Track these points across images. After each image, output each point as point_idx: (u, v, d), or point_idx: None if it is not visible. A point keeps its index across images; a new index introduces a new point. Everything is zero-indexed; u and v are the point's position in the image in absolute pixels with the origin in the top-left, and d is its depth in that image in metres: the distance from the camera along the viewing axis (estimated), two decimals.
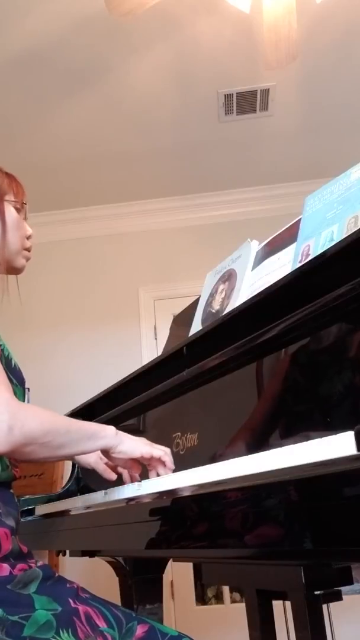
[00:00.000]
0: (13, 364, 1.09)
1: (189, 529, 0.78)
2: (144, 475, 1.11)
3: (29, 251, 1.19)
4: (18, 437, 0.90)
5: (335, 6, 2.51)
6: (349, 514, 0.54)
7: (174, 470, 1.07)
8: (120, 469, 1.24)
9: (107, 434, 1.04)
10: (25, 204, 1.19)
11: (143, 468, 1.11)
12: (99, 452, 1.22)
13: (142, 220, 3.92)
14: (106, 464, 1.27)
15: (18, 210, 1.16)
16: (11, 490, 1.02)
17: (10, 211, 1.14)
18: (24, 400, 1.10)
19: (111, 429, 1.05)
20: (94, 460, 1.29)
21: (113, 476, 1.24)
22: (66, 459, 1.34)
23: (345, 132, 3.36)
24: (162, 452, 1.07)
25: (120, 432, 1.06)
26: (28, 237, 1.18)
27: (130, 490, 1.04)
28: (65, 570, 3.03)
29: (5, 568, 0.86)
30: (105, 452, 1.07)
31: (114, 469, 1.26)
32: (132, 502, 0.99)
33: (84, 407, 1.70)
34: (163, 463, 1.08)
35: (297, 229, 1.15)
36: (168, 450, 1.10)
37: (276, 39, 2.24)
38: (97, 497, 1.19)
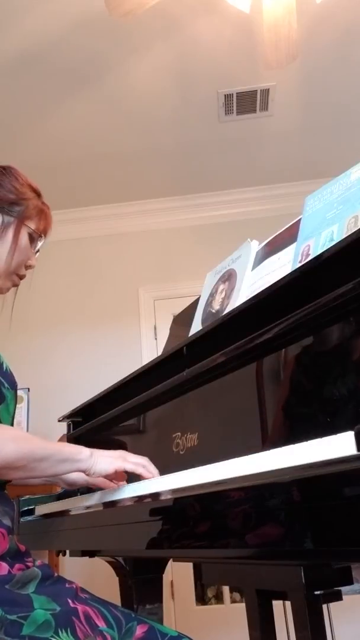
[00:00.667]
0: (4, 368, 1.09)
1: (189, 529, 0.78)
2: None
3: (20, 279, 1.19)
4: None
5: (335, 6, 2.51)
6: (349, 514, 0.54)
7: (174, 470, 1.06)
8: (96, 480, 1.24)
9: (82, 457, 1.03)
10: (42, 236, 1.19)
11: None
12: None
13: (142, 220, 3.92)
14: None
15: (32, 239, 1.17)
16: (5, 491, 1.03)
17: (24, 235, 1.15)
18: (15, 404, 1.11)
19: (85, 452, 1.04)
20: (77, 474, 1.26)
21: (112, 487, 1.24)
22: (40, 478, 1.34)
23: (345, 132, 3.36)
24: (134, 466, 1.06)
25: (96, 452, 1.05)
26: (27, 267, 1.19)
27: (125, 491, 1.05)
28: (65, 570, 3.03)
29: (4, 567, 0.86)
30: (84, 472, 1.06)
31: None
32: (119, 504, 1.00)
33: (84, 407, 1.70)
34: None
35: (297, 229, 1.15)
36: (145, 462, 1.09)
37: (276, 39, 2.24)
38: (92, 498, 1.20)
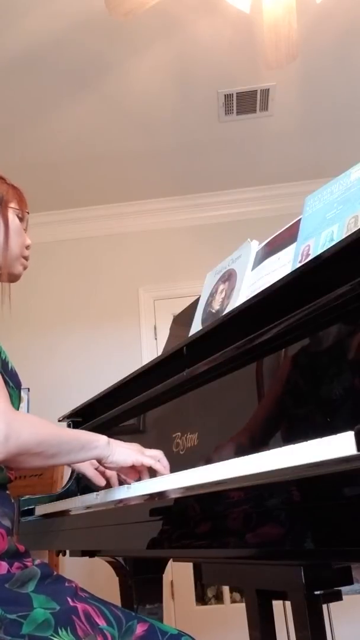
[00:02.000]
0: (10, 367, 1.09)
1: (189, 529, 0.78)
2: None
3: (26, 260, 1.22)
4: (13, 447, 0.91)
5: (335, 6, 2.51)
6: (349, 514, 0.54)
7: (174, 471, 1.06)
8: (108, 474, 1.26)
9: (99, 445, 1.04)
10: (28, 213, 1.22)
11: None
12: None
13: (142, 220, 3.92)
14: (97, 469, 1.28)
15: (20, 219, 1.19)
16: (7, 492, 1.03)
17: (13, 218, 1.17)
18: (19, 404, 1.11)
19: (103, 439, 1.05)
20: (85, 466, 1.30)
21: (102, 482, 1.25)
22: (56, 466, 1.35)
23: (345, 132, 3.36)
24: (152, 460, 1.07)
25: (113, 442, 1.06)
26: (27, 247, 1.21)
27: (121, 491, 1.05)
28: (65, 570, 3.03)
29: (3, 566, 0.86)
30: (98, 460, 1.07)
31: (103, 474, 1.27)
32: (120, 504, 1.00)
33: (84, 407, 1.70)
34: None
35: (297, 229, 1.15)
36: (160, 455, 1.10)
37: (276, 39, 2.24)
38: (90, 499, 1.20)
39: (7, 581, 0.85)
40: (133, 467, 1.09)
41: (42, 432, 0.97)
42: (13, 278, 1.20)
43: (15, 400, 1.08)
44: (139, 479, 1.10)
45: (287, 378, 0.96)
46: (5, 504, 0.98)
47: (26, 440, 0.93)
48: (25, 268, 1.22)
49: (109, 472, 1.25)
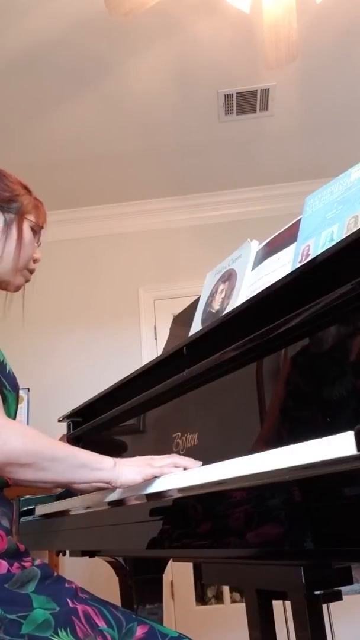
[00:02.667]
0: (7, 370, 1.08)
1: (189, 529, 0.78)
2: None
3: (31, 273, 1.21)
4: None
5: (335, 6, 2.51)
6: (349, 514, 0.54)
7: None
8: None
9: (104, 467, 0.96)
10: (42, 228, 1.22)
11: None
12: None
13: (142, 220, 3.92)
14: None
15: (34, 232, 1.19)
16: (4, 493, 1.02)
17: (27, 230, 1.17)
18: (16, 407, 1.10)
19: (109, 461, 0.97)
20: (94, 487, 1.18)
21: None
22: (61, 486, 1.27)
23: (345, 132, 3.36)
24: (160, 470, 0.97)
25: (120, 463, 0.98)
26: (35, 261, 1.21)
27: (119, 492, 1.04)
28: (65, 570, 3.03)
29: (3, 566, 0.86)
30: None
31: None
32: (119, 504, 0.99)
33: (84, 407, 1.70)
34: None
35: (297, 229, 1.15)
36: (172, 460, 1.01)
37: (276, 39, 2.24)
38: (95, 498, 1.19)
39: (7, 581, 0.85)
40: None
41: (33, 443, 0.91)
42: (13, 288, 1.19)
43: (12, 403, 1.07)
44: None
45: (287, 378, 0.96)
46: (3, 504, 0.98)
47: (13, 448, 0.88)
48: (27, 281, 1.21)
49: None
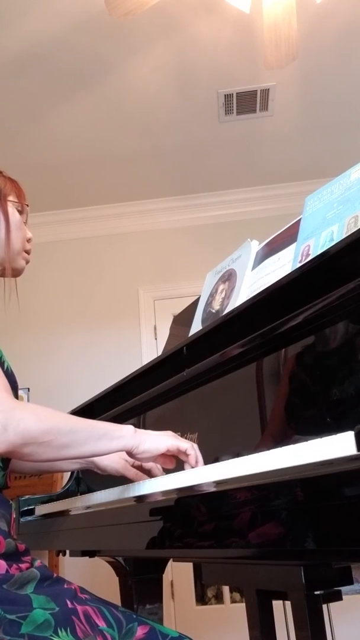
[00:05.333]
0: (6, 367, 1.07)
1: (189, 529, 0.78)
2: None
3: (28, 254, 1.20)
4: (13, 437, 0.86)
5: (335, 6, 2.51)
6: (349, 514, 0.54)
7: (174, 471, 1.06)
8: (146, 466, 1.17)
9: (124, 434, 0.95)
10: (27, 205, 1.20)
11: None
12: (124, 458, 1.17)
13: (142, 220, 3.93)
14: (134, 465, 1.20)
15: (20, 212, 1.17)
16: (2, 494, 1.01)
17: (13, 212, 1.15)
18: None
19: (129, 428, 0.97)
20: (122, 466, 1.20)
21: (143, 478, 1.15)
22: (80, 459, 1.21)
23: (345, 132, 3.36)
24: (189, 444, 0.98)
25: (140, 430, 0.98)
26: (28, 240, 1.20)
27: (117, 491, 1.04)
28: (65, 570, 3.03)
29: (2, 567, 0.86)
30: (129, 453, 0.98)
31: (141, 468, 1.19)
32: (121, 503, 0.99)
33: (84, 407, 1.70)
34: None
35: (297, 229, 1.15)
36: (195, 445, 1.00)
37: (276, 39, 2.24)
38: (97, 498, 1.19)
39: (6, 582, 0.85)
40: (169, 456, 1.00)
41: (48, 420, 0.90)
42: (16, 273, 1.18)
43: None
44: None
45: (286, 378, 0.96)
46: (1, 506, 0.97)
47: (28, 428, 0.87)
48: (27, 262, 1.20)
49: (147, 465, 1.17)
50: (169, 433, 1.00)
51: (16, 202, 1.16)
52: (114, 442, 0.95)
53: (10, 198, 1.16)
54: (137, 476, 1.18)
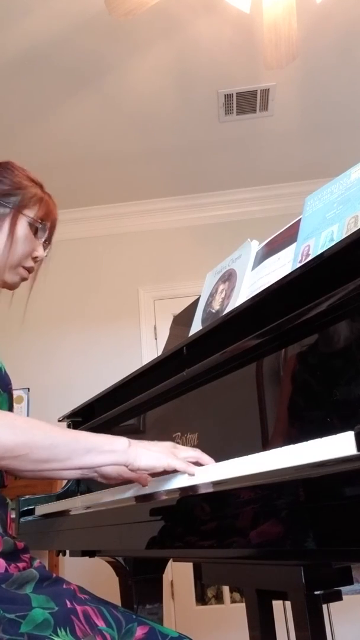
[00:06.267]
0: None
1: (189, 529, 0.78)
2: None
3: (29, 271, 1.15)
4: None
5: (335, 6, 2.51)
6: (349, 514, 0.54)
7: (173, 470, 1.06)
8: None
9: (115, 448, 0.89)
10: (46, 225, 1.14)
11: None
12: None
13: (142, 220, 3.93)
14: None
15: (34, 228, 1.12)
16: (1, 494, 1.01)
17: (22, 225, 1.10)
18: (9, 406, 1.05)
19: (122, 442, 0.89)
20: (124, 470, 1.08)
21: (145, 482, 1.06)
22: (80, 469, 1.19)
23: (345, 132, 3.36)
24: (184, 465, 0.89)
25: (136, 444, 0.90)
26: (34, 258, 1.14)
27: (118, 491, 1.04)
28: (65, 570, 3.03)
29: (0, 565, 0.86)
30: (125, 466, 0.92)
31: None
32: (120, 503, 0.99)
33: (84, 407, 1.70)
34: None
35: (297, 229, 1.15)
36: (195, 454, 0.93)
37: (276, 39, 2.24)
38: (97, 498, 1.19)
39: (5, 581, 0.85)
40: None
41: (24, 433, 0.85)
42: (6, 286, 1.13)
43: (3, 402, 1.04)
44: None
45: (286, 378, 0.96)
46: None
47: (1, 440, 0.82)
48: (23, 279, 1.14)
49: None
50: (168, 447, 0.92)
51: (30, 217, 1.11)
52: (102, 456, 0.88)
53: (27, 212, 1.10)
54: (139, 479, 1.11)
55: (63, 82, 2.87)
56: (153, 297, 3.76)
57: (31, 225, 1.12)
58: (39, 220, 1.13)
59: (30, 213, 1.11)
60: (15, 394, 1.22)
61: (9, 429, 0.84)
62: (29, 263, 1.14)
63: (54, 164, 3.43)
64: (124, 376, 1.51)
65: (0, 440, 0.82)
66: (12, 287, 1.14)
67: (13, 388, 1.10)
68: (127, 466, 0.90)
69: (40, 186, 1.16)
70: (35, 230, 1.13)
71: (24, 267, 1.14)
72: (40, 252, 1.15)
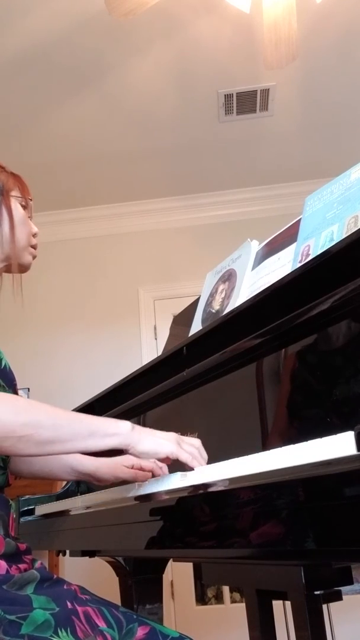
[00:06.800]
0: (3, 365, 1.07)
1: (188, 529, 0.78)
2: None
3: (35, 248, 1.18)
4: None
5: (335, 6, 2.51)
6: (349, 514, 0.54)
7: (173, 471, 1.06)
8: (146, 467, 1.11)
9: (119, 431, 0.88)
10: (31, 200, 1.18)
11: None
12: (119, 461, 1.12)
13: (142, 220, 3.93)
14: (134, 466, 1.12)
15: (24, 207, 1.16)
16: (2, 494, 1.01)
17: (17, 207, 1.14)
18: None
19: (125, 425, 0.89)
20: (120, 470, 1.12)
21: (144, 479, 1.08)
22: (78, 473, 1.15)
23: (345, 132, 3.36)
24: (188, 456, 0.90)
25: (139, 428, 0.91)
26: (34, 235, 1.18)
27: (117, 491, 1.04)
28: (65, 570, 3.03)
29: (2, 567, 0.86)
30: (126, 451, 0.91)
31: (142, 469, 1.12)
32: (118, 503, 0.99)
33: (83, 407, 1.70)
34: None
35: (297, 229, 1.15)
36: (199, 445, 0.94)
37: (276, 39, 2.24)
38: (97, 498, 1.19)
39: (6, 582, 0.84)
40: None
41: (28, 413, 0.85)
42: (23, 268, 1.16)
43: None
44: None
45: (286, 378, 0.96)
46: (0, 506, 0.97)
47: (4, 421, 0.81)
48: (34, 257, 1.18)
49: (147, 466, 1.10)
50: (172, 436, 0.93)
51: (19, 197, 1.14)
52: (107, 439, 0.88)
53: (13, 193, 1.14)
54: (136, 477, 1.14)
55: (63, 82, 2.87)
56: (153, 297, 3.76)
57: (22, 206, 1.15)
58: (26, 198, 1.17)
59: (17, 193, 1.15)
60: None
61: (12, 410, 0.84)
62: (34, 241, 1.18)
63: (54, 164, 3.43)
64: (124, 376, 1.51)
65: (3, 421, 0.81)
66: (27, 268, 1.17)
67: None
68: (128, 450, 0.89)
69: (4, 167, 1.18)
70: (24, 209, 1.16)
71: (31, 246, 1.17)
72: (35, 227, 1.19)
